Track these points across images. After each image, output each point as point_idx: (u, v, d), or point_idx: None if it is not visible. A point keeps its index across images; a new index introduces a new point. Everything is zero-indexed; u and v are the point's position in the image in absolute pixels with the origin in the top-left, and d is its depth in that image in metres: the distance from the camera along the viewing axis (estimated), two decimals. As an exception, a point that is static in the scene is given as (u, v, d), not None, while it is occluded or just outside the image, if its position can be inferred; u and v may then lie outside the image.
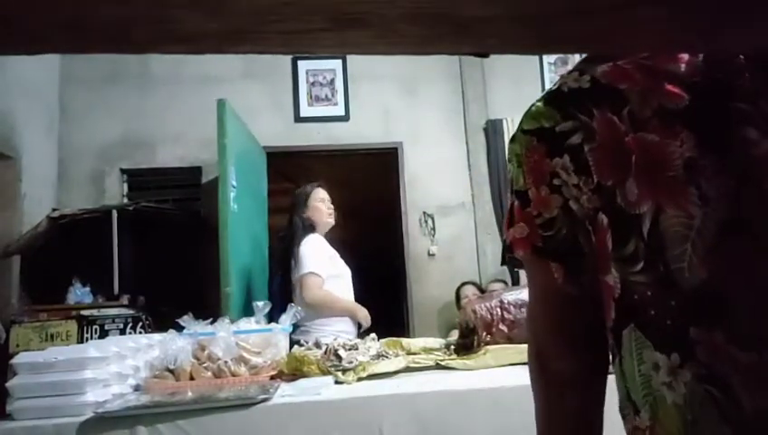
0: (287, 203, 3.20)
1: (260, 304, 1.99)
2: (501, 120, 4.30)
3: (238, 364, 1.77)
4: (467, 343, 1.91)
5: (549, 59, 4.41)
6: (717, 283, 0.57)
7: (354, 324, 2.81)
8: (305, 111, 4.25)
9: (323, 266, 2.73)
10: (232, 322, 1.91)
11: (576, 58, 0.71)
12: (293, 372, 1.77)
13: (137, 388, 1.71)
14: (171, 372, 1.76)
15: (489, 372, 1.72)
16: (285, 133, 4.22)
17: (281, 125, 4.23)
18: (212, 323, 1.87)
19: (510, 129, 4.20)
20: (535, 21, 0.33)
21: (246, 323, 1.94)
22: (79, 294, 3.26)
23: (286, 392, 1.58)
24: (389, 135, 4.33)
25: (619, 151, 0.61)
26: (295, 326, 2.33)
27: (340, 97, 4.28)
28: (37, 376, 1.52)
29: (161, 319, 2.42)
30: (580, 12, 0.32)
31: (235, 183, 3.15)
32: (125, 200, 3.93)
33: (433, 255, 4.26)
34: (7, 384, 1.52)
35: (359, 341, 1.96)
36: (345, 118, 4.28)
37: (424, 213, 4.29)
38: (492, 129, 4.32)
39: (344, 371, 1.71)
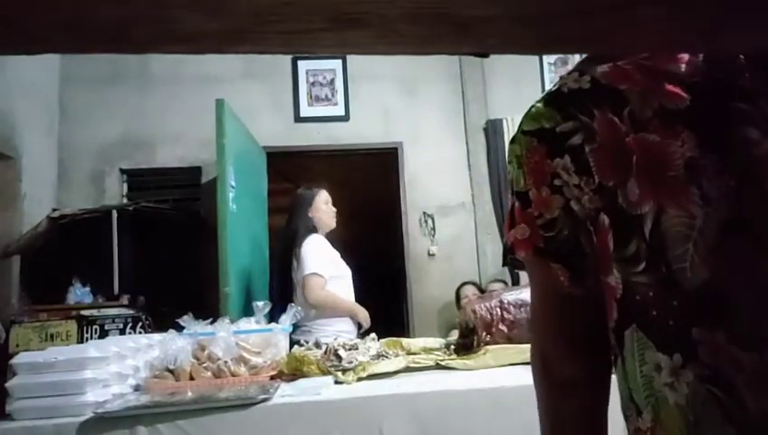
0: (287, 203, 3.20)
1: (260, 304, 1.99)
2: (501, 120, 4.30)
3: (238, 364, 1.77)
4: (467, 343, 1.91)
5: (549, 59, 4.41)
6: (719, 283, 0.57)
7: (354, 324, 2.82)
8: (305, 111, 4.25)
9: (326, 267, 2.74)
10: (232, 322, 1.91)
11: (576, 58, 0.71)
12: (293, 371, 1.77)
13: (137, 388, 1.71)
14: (171, 372, 1.76)
15: (489, 372, 1.72)
16: (285, 133, 4.22)
17: (281, 125, 4.23)
18: (212, 323, 1.87)
19: (510, 129, 4.20)
20: (535, 21, 0.33)
21: (246, 323, 1.94)
22: (79, 294, 3.26)
23: (286, 392, 1.58)
24: (389, 135, 4.33)
25: (619, 152, 0.61)
26: (295, 326, 2.34)
27: (340, 97, 4.28)
28: (37, 376, 1.52)
29: (161, 319, 2.42)
30: (580, 12, 0.32)
31: (233, 183, 3.15)
32: (125, 200, 3.93)
33: (433, 255, 4.26)
34: (7, 384, 1.52)
35: (359, 341, 1.96)
36: (345, 118, 4.28)
37: (424, 213, 4.29)
38: (492, 129, 4.32)
39: (344, 371, 1.71)
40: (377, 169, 4.59)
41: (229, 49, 0.33)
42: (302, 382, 1.69)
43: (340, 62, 4.25)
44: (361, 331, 2.79)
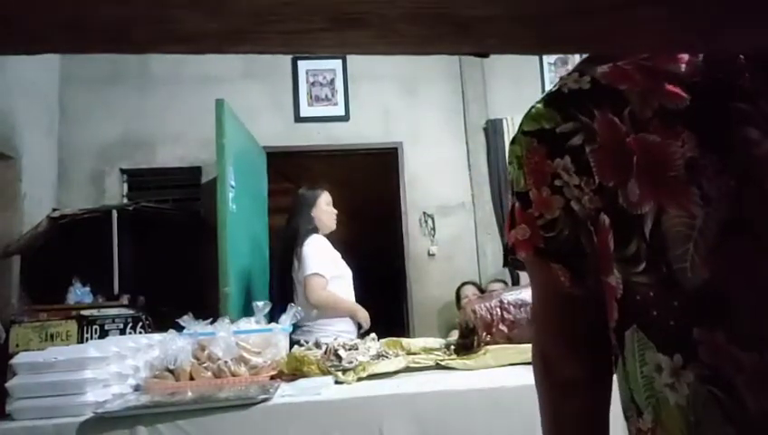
0: (287, 203, 3.20)
1: (260, 304, 1.99)
2: (501, 120, 4.30)
3: (238, 364, 1.77)
4: (467, 343, 1.91)
5: (549, 59, 4.41)
6: (719, 283, 0.57)
7: (354, 324, 2.82)
8: (305, 111, 4.25)
9: (327, 267, 2.75)
10: (232, 322, 1.91)
11: (576, 58, 0.71)
12: (293, 372, 1.77)
13: (137, 388, 1.71)
14: (171, 372, 1.76)
15: (489, 372, 1.72)
16: (285, 133, 4.22)
17: (281, 125, 4.23)
18: (212, 323, 1.87)
19: (510, 129, 4.20)
20: (535, 21, 0.33)
21: (246, 323, 1.94)
22: (79, 294, 3.26)
23: (286, 392, 1.58)
24: (389, 135, 4.33)
25: (620, 152, 0.61)
26: (296, 326, 2.34)
27: (340, 97, 4.28)
28: (37, 376, 1.52)
29: (161, 319, 2.42)
30: (580, 12, 0.32)
31: (233, 183, 3.15)
32: (125, 200, 3.93)
33: (433, 255, 4.26)
34: (7, 384, 1.52)
35: (359, 341, 1.96)
36: (345, 118, 4.28)
37: (424, 213, 4.29)
38: (492, 129, 4.32)
39: (344, 371, 1.71)
40: (377, 169, 4.59)
41: (229, 49, 0.33)
42: (302, 382, 1.69)
43: (340, 62, 4.25)
44: (361, 331, 2.79)
